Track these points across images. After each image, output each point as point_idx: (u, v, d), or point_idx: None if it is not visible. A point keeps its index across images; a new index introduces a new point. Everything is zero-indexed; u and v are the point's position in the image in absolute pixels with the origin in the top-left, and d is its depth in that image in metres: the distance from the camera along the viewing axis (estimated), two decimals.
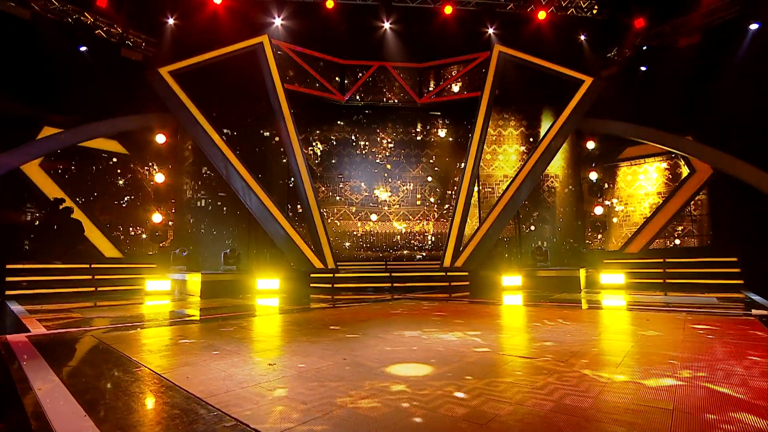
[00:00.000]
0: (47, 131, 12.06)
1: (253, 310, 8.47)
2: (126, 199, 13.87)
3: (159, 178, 13.39)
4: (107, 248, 12.94)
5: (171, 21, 13.47)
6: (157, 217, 13.26)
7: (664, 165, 14.50)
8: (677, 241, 14.07)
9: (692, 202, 13.78)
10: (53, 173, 12.48)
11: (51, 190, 12.28)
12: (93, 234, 12.74)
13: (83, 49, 12.32)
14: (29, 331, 5.73)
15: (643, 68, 14.15)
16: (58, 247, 11.61)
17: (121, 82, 12.72)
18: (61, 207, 12.10)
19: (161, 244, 13.84)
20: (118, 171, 13.80)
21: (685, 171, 13.89)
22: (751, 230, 11.70)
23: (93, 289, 11.35)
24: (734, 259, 11.51)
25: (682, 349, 4.21)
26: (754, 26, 11.86)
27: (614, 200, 15.32)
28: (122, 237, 13.64)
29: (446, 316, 7.03)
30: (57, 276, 10.85)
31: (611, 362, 3.74)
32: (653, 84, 13.79)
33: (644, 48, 14.12)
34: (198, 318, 7.52)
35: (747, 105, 11.47)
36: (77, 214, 12.33)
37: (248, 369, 3.69)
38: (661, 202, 14.16)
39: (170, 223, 14.18)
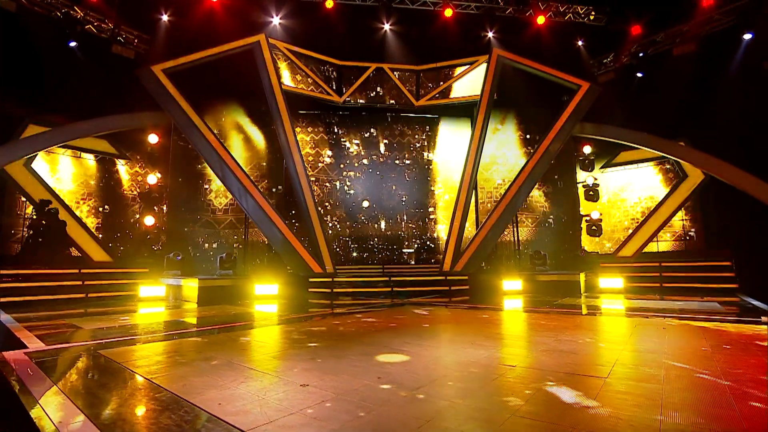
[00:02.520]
0: (33, 130, 11.53)
1: (259, 320, 8.21)
2: (116, 200, 13.36)
3: (151, 179, 12.92)
4: (96, 252, 12.44)
5: (165, 18, 13.03)
6: (149, 220, 12.79)
7: (658, 170, 14.79)
8: (670, 245, 14.34)
9: (684, 206, 14.07)
10: (39, 174, 11.93)
11: (36, 191, 11.74)
12: (81, 237, 12.23)
13: (73, 44, 11.80)
14: (26, 347, 5.37)
15: (639, 75, 14.37)
16: (44, 251, 11.09)
17: (112, 79, 12.27)
18: (47, 209, 11.56)
19: (154, 248, 13.37)
20: (108, 172, 13.29)
21: (678, 176, 14.16)
22: (743, 234, 11.98)
23: (83, 295, 10.85)
24: (728, 263, 11.76)
25: (716, 361, 4.19)
26: (747, 36, 12.16)
27: (609, 204, 15.54)
28: (112, 240, 13.14)
29: (458, 326, 6.92)
30: (44, 282, 10.33)
31: (652, 377, 3.68)
32: (649, 90, 14.03)
33: (640, 55, 14.33)
34: (204, 329, 7.22)
35: (740, 112, 11.76)
36: (63, 217, 11.82)
37: (281, 392, 3.49)
38: (654, 206, 14.42)
39: (163, 226, 13.69)
